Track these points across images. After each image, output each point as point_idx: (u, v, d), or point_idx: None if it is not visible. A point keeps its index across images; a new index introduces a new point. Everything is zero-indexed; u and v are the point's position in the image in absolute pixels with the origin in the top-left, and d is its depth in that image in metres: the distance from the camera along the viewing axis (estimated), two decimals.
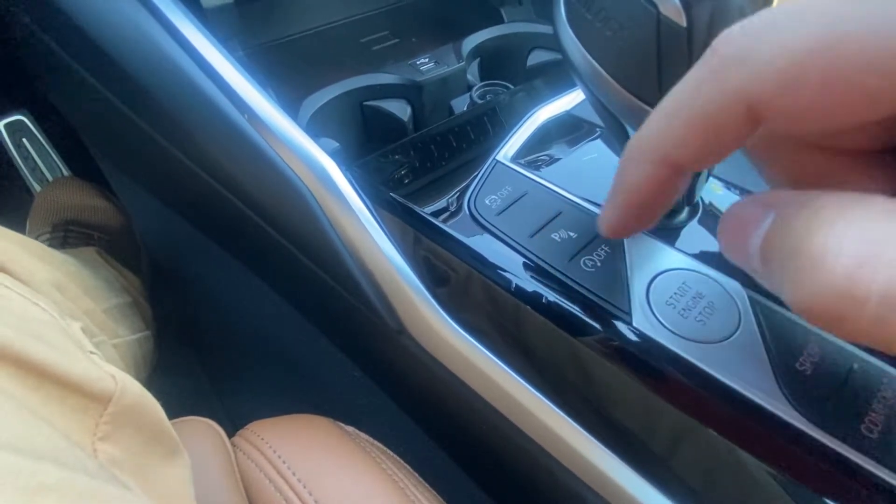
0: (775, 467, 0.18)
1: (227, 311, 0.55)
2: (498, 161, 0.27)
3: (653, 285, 0.21)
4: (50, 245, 0.67)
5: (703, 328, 0.19)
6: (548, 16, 0.49)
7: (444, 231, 0.25)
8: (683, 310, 0.20)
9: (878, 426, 0.17)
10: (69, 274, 0.42)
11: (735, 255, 0.14)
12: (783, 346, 0.19)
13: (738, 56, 0.12)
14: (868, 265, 0.10)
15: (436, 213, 0.26)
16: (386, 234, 0.28)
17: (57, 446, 0.17)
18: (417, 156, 0.30)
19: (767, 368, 0.18)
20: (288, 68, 0.48)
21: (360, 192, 0.29)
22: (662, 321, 0.19)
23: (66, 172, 0.83)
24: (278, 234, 0.34)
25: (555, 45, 0.31)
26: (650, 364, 0.19)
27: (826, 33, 0.11)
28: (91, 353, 0.23)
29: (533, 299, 0.22)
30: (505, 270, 0.23)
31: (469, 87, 0.44)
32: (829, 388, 0.18)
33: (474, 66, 0.45)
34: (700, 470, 0.20)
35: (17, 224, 0.72)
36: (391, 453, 0.33)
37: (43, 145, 0.84)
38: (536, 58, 0.47)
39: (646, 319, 0.20)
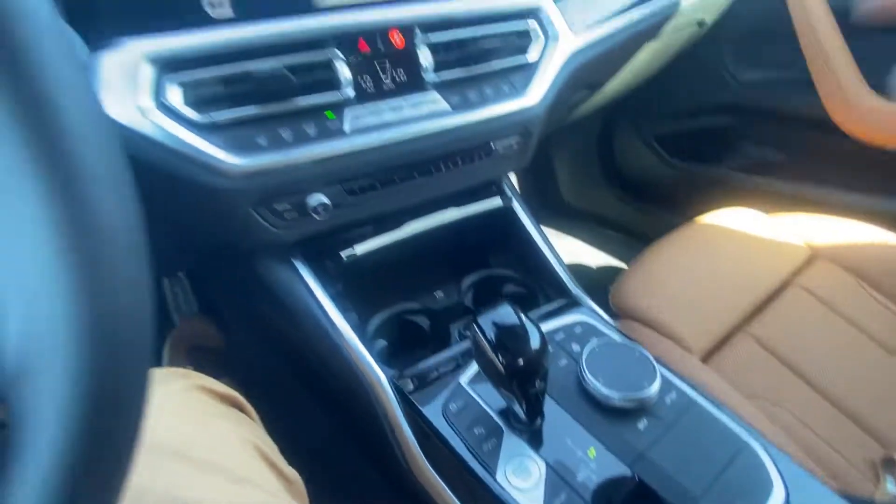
0: None
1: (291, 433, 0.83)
2: (460, 383, 0.56)
3: (510, 461, 0.47)
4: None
5: (524, 482, 0.46)
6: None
7: (428, 419, 0.53)
8: (519, 473, 0.47)
9: None
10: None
11: None
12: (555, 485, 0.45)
13: None
14: None
15: (427, 408, 0.55)
16: (403, 414, 0.57)
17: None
18: (427, 375, 0.60)
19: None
20: (366, 282, 0.79)
21: (394, 391, 0.58)
22: (508, 477, 0.46)
23: (195, 307, 1.18)
24: (350, 399, 0.63)
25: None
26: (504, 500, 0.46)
27: None
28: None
29: (461, 457, 0.49)
30: (450, 442, 0.51)
31: (465, 309, 0.74)
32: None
33: (469, 296, 0.76)
34: None
35: (158, 341, 1.08)
36: None
37: (188, 292, 1.21)
38: (509, 289, 0.77)
39: (503, 476, 0.47)
